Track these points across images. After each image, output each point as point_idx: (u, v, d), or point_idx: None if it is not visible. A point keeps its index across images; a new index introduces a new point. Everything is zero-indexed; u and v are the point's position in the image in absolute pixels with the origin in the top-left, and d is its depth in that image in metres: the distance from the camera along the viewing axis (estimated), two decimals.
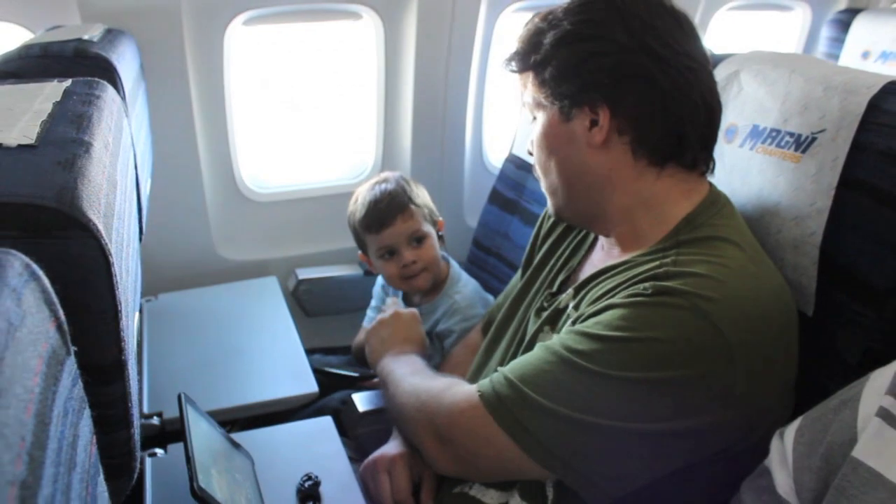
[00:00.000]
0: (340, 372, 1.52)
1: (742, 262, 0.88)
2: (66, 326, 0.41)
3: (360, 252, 1.63)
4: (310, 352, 1.52)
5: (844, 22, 2.53)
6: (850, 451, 0.64)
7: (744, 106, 1.11)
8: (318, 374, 1.51)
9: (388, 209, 1.51)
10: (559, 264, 1.16)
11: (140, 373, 1.37)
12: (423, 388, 1.05)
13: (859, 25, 2.47)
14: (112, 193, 0.61)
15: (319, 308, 2.06)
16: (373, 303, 1.77)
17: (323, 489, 1.05)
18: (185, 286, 1.79)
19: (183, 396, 1.01)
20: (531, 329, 1.09)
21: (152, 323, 1.60)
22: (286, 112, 2.11)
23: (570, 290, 1.04)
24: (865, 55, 2.43)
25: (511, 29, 2.02)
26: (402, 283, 1.58)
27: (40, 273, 0.39)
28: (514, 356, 1.10)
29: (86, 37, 1.17)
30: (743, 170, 1.09)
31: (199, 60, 1.76)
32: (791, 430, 0.75)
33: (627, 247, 1.00)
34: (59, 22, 1.52)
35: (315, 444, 1.17)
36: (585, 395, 0.85)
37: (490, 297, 1.63)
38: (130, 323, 0.65)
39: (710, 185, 1.01)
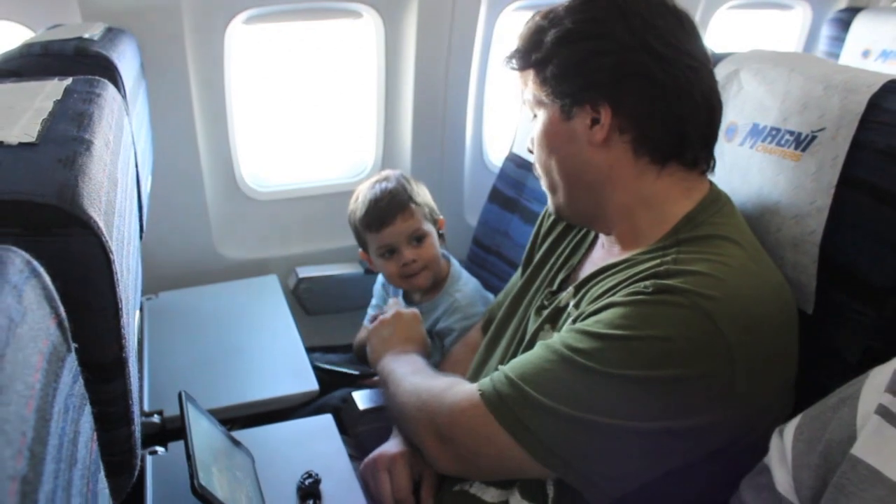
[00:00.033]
0: (341, 370, 1.52)
1: (742, 260, 0.88)
2: (66, 323, 0.41)
3: (360, 250, 1.63)
4: (310, 350, 1.52)
5: (845, 21, 2.53)
6: (849, 448, 0.64)
7: (744, 104, 1.11)
8: (319, 371, 1.51)
9: (388, 208, 1.51)
10: (559, 263, 1.16)
11: (141, 371, 1.37)
12: (423, 388, 1.05)
13: (860, 24, 2.47)
14: (113, 191, 0.62)
15: (319, 306, 2.06)
16: (373, 301, 1.77)
17: (323, 487, 1.05)
18: (186, 284, 1.79)
19: (183, 394, 1.02)
20: (531, 327, 1.09)
21: (153, 321, 1.60)
22: (286, 111, 2.11)
23: (571, 289, 1.04)
24: (866, 54, 2.43)
25: (511, 28, 2.02)
26: (402, 281, 1.58)
27: (41, 270, 0.39)
28: (514, 354, 1.10)
29: (86, 35, 1.17)
30: (743, 168, 1.09)
31: (199, 59, 1.76)
32: (790, 428, 0.75)
33: (628, 245, 1.00)
34: (59, 21, 1.52)
35: (315, 442, 1.17)
36: (586, 394, 0.85)
37: (490, 296, 1.63)
38: (131, 321, 0.65)
39: (711, 183, 1.01)
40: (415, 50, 1.92)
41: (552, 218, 1.25)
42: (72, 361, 0.42)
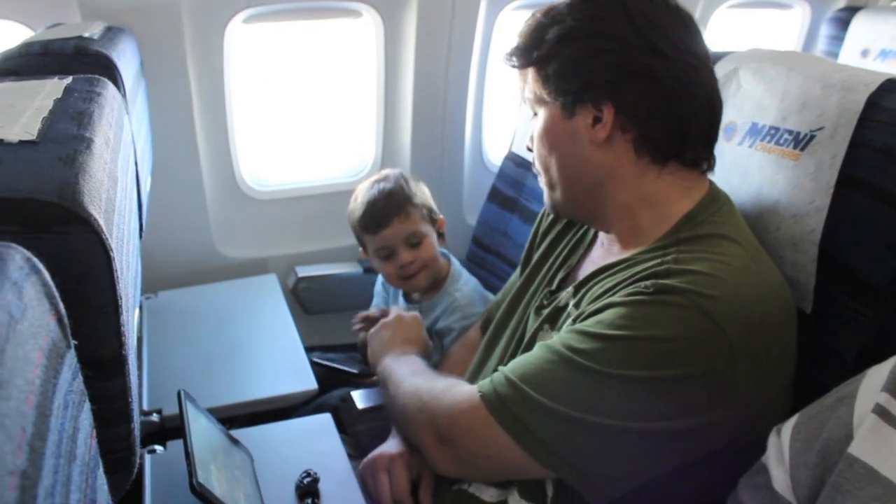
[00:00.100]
0: (340, 367, 1.52)
1: (743, 259, 0.88)
2: (66, 320, 0.42)
3: (360, 249, 1.64)
4: (309, 349, 1.53)
5: (844, 20, 2.53)
6: (846, 447, 0.64)
7: (743, 104, 1.11)
8: (318, 367, 1.51)
9: (385, 210, 1.51)
10: (558, 262, 1.16)
11: (140, 370, 1.37)
12: (424, 389, 1.05)
13: (858, 23, 2.47)
14: (113, 189, 0.62)
15: (319, 306, 2.06)
16: (375, 301, 1.77)
17: (322, 486, 1.05)
18: (185, 284, 1.79)
19: (182, 393, 1.02)
20: (531, 327, 1.09)
21: (152, 320, 1.60)
22: (286, 110, 2.11)
23: (570, 289, 1.04)
24: (865, 53, 2.43)
25: (511, 27, 2.02)
26: (400, 282, 1.58)
27: (41, 267, 0.39)
28: (513, 354, 1.10)
29: (86, 34, 1.17)
30: (742, 167, 1.09)
31: (199, 58, 1.76)
32: (788, 427, 0.75)
33: (628, 244, 1.00)
34: (59, 20, 1.52)
35: (314, 441, 1.17)
36: (587, 395, 0.85)
37: (490, 296, 1.63)
38: (130, 318, 0.66)
39: (711, 182, 1.01)
40: (414, 49, 1.93)
41: (551, 217, 1.25)
42: (71, 358, 0.42)
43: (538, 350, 0.93)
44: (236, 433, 1.13)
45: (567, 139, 0.99)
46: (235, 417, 1.35)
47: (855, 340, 0.94)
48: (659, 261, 0.89)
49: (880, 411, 0.63)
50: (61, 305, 0.41)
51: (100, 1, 1.57)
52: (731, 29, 2.55)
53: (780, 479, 0.73)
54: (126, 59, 1.21)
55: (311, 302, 2.05)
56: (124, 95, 1.06)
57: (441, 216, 1.62)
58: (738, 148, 1.10)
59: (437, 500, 1.06)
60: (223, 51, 1.79)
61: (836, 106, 0.97)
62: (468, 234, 2.01)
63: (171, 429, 1.23)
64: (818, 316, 0.98)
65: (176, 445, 1.10)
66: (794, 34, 2.72)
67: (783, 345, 0.89)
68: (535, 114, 1.05)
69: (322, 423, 1.22)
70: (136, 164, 0.94)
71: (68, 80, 0.77)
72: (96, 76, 0.81)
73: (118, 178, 0.67)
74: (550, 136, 1.01)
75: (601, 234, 1.09)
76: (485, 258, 1.89)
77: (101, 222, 0.53)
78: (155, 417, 1.26)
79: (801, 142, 1.00)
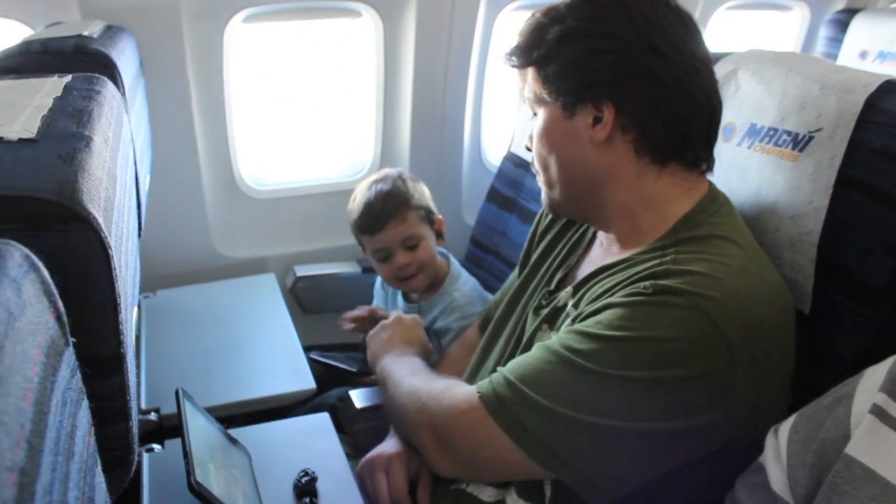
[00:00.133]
0: (339, 365, 1.52)
1: (742, 260, 0.88)
2: (65, 318, 0.42)
3: (360, 247, 1.64)
4: (307, 349, 1.53)
5: (843, 22, 2.53)
6: (843, 447, 0.64)
7: (741, 104, 1.11)
8: (317, 365, 1.51)
9: (381, 213, 1.51)
10: (557, 262, 1.16)
11: (138, 368, 1.37)
12: (422, 390, 1.05)
13: (857, 25, 2.48)
14: (112, 188, 0.62)
15: (317, 305, 2.06)
16: (375, 300, 1.77)
17: (320, 485, 1.05)
18: (184, 283, 1.79)
19: (180, 392, 1.02)
20: (529, 327, 1.09)
21: (150, 319, 1.60)
22: (285, 110, 2.11)
23: (569, 289, 1.04)
24: (863, 55, 2.44)
25: (510, 27, 2.03)
26: (397, 283, 1.59)
27: (40, 264, 0.39)
28: (512, 354, 1.10)
29: (86, 33, 1.17)
30: (741, 168, 1.09)
31: (198, 57, 1.76)
32: (785, 427, 0.75)
33: (627, 244, 1.00)
34: (58, 18, 1.52)
35: (312, 440, 1.17)
36: (586, 395, 0.85)
37: (489, 296, 1.63)
38: (129, 317, 0.66)
39: (710, 183, 1.01)
40: (414, 49, 1.93)
41: (549, 217, 1.25)
42: (70, 355, 0.42)
43: (537, 351, 0.93)
44: (234, 432, 1.13)
45: (567, 139, 0.99)
46: (233, 416, 1.35)
47: (853, 341, 0.94)
48: (658, 261, 0.89)
49: (877, 411, 0.63)
50: (60, 303, 0.41)
51: (99, 0, 1.57)
52: (730, 30, 2.56)
53: (777, 478, 0.73)
54: (125, 58, 1.21)
55: (309, 301, 2.05)
56: (123, 94, 1.07)
57: (440, 216, 1.62)
58: (736, 149, 1.10)
59: (435, 500, 1.06)
60: (223, 50, 1.79)
61: (834, 107, 0.97)
62: (467, 234, 2.01)
63: (169, 427, 1.23)
64: (816, 316, 0.98)
65: (174, 444, 1.10)
66: (793, 36, 2.72)
67: (782, 345, 0.89)
68: (535, 113, 1.04)
69: (320, 423, 1.22)
70: (135, 162, 0.94)
71: (68, 78, 0.77)
72: (96, 75, 0.81)
73: (117, 177, 0.67)
74: (550, 135, 1.01)
75: (600, 234, 1.09)
76: (483, 258, 1.90)
77: (101, 221, 0.53)
78: (153, 416, 1.26)
79: (800, 143, 1.00)
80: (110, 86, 0.81)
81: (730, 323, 0.81)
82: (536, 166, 1.06)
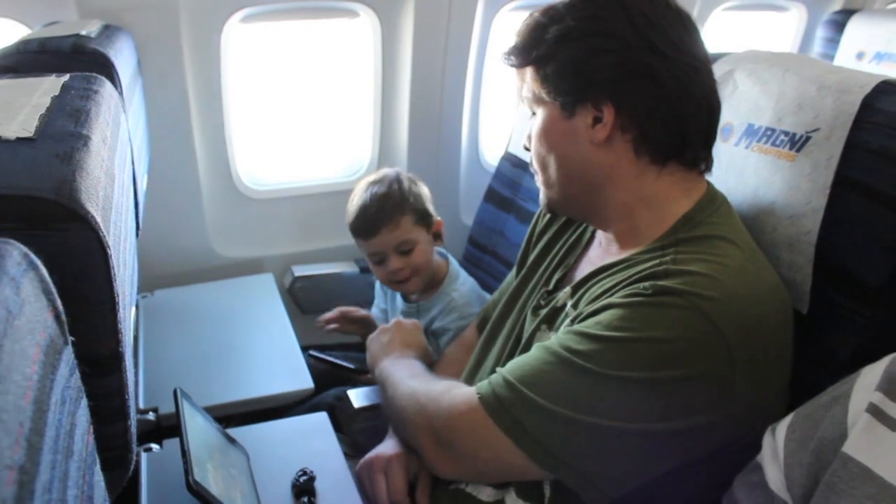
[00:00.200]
0: (337, 362, 1.52)
1: (740, 260, 0.88)
2: (63, 316, 0.42)
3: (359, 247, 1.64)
4: (305, 349, 1.53)
5: (839, 23, 2.54)
6: (840, 446, 0.64)
7: (739, 105, 1.12)
8: (315, 362, 1.51)
9: (374, 218, 1.50)
10: (555, 262, 1.16)
11: (136, 368, 1.37)
12: (422, 392, 1.05)
13: (854, 26, 2.48)
14: (110, 187, 0.62)
15: (315, 305, 2.06)
16: (375, 300, 1.77)
17: (318, 484, 1.05)
18: (181, 283, 1.79)
19: (179, 391, 1.02)
20: (528, 328, 1.09)
21: (148, 319, 1.60)
22: (283, 109, 2.11)
23: (568, 289, 1.04)
24: (860, 56, 2.44)
25: (508, 27, 2.03)
26: (393, 285, 1.59)
27: (39, 263, 0.39)
28: (511, 355, 1.10)
29: (83, 32, 1.17)
30: (739, 168, 1.09)
31: (196, 57, 1.76)
32: (782, 426, 0.75)
33: (626, 244, 1.00)
34: (56, 18, 1.52)
35: (310, 439, 1.17)
36: (585, 396, 0.85)
37: (488, 296, 1.63)
38: (127, 316, 0.66)
39: (708, 183, 1.01)
40: (411, 49, 1.93)
41: (547, 217, 1.25)
42: (69, 354, 0.42)
43: (536, 351, 0.93)
44: (232, 432, 1.13)
45: (566, 139, 0.99)
46: (231, 416, 1.34)
47: (851, 341, 0.94)
48: (657, 261, 0.89)
49: (874, 410, 0.63)
50: (59, 302, 0.41)
51: None
52: (727, 31, 2.56)
53: (774, 477, 0.73)
54: (123, 57, 1.21)
55: (307, 301, 2.05)
56: (121, 93, 1.07)
57: (439, 218, 1.61)
58: (734, 149, 1.11)
59: (434, 500, 1.06)
60: (220, 50, 1.79)
61: (831, 107, 0.97)
62: (465, 234, 2.01)
63: (167, 427, 1.23)
64: (814, 316, 0.98)
65: (172, 444, 1.10)
66: (791, 36, 2.73)
67: (780, 345, 0.89)
68: (534, 113, 1.04)
69: (318, 422, 1.22)
70: (132, 162, 0.94)
71: (65, 77, 0.77)
72: (93, 74, 0.81)
73: (115, 176, 0.67)
74: (549, 135, 1.01)
75: (599, 234, 1.09)
76: (481, 258, 1.90)
77: (99, 220, 0.53)
78: (151, 416, 1.26)
79: (797, 143, 1.00)
80: (108, 85, 0.81)
81: (728, 323, 0.81)
82: (535, 166, 1.06)
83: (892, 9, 2.74)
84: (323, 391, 1.52)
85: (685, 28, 0.96)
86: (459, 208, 2.23)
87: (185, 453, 0.90)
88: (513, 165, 1.84)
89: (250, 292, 1.77)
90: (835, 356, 0.96)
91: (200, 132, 1.85)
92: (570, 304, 1.01)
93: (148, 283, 1.72)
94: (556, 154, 1.01)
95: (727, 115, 1.12)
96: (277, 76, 2.06)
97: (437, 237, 1.60)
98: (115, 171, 0.68)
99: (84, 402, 0.46)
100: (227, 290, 1.77)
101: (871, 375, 0.67)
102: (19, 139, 0.58)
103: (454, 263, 1.65)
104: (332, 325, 1.65)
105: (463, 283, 1.61)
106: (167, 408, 1.23)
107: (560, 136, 1.00)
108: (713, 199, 0.98)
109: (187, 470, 0.87)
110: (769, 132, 1.05)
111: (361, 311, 1.69)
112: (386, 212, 1.50)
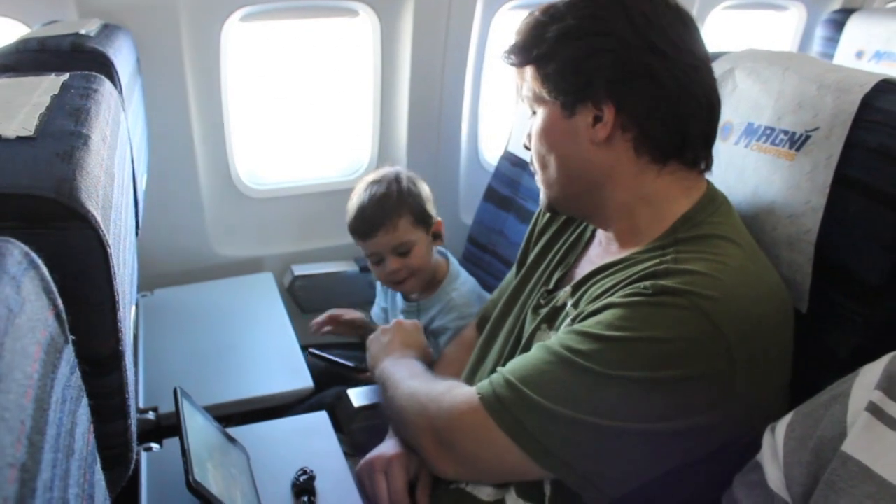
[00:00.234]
0: (337, 360, 1.52)
1: (741, 260, 0.88)
2: (64, 315, 0.42)
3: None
4: (305, 348, 1.53)
5: (839, 22, 2.54)
6: (839, 445, 0.64)
7: (738, 103, 1.12)
8: (315, 359, 1.51)
9: (371, 220, 1.50)
10: (555, 261, 1.16)
11: (136, 367, 1.37)
12: (422, 392, 1.05)
13: (853, 25, 2.48)
14: (110, 186, 0.62)
15: (315, 304, 2.06)
16: (376, 299, 1.77)
17: (318, 483, 1.05)
18: (181, 282, 1.79)
19: (179, 391, 1.02)
20: (528, 327, 1.09)
21: (148, 318, 1.60)
22: (283, 108, 2.11)
23: (568, 288, 1.04)
24: (859, 55, 2.44)
25: (507, 27, 2.03)
26: (391, 285, 1.59)
27: (39, 262, 0.39)
28: (511, 354, 1.10)
29: (83, 32, 1.17)
30: (738, 167, 1.09)
31: (195, 56, 1.76)
32: (782, 425, 0.75)
33: (626, 243, 1.00)
34: (55, 17, 1.52)
35: (310, 439, 1.17)
36: (586, 396, 0.85)
37: (487, 296, 1.63)
38: (127, 315, 0.66)
39: (708, 182, 1.01)
40: (411, 48, 1.93)
41: (547, 216, 1.25)
42: (69, 353, 0.42)
43: (537, 351, 0.93)
44: (232, 431, 1.13)
45: (567, 138, 0.99)
46: (231, 415, 1.34)
47: (850, 340, 0.94)
48: (658, 261, 0.89)
49: (873, 409, 0.63)
50: (59, 300, 0.41)
51: None
52: (726, 30, 2.56)
53: (774, 476, 0.73)
54: (122, 56, 1.21)
55: (307, 301, 2.05)
56: (121, 92, 1.06)
57: (439, 219, 1.60)
58: (734, 148, 1.11)
59: (435, 499, 1.06)
60: (220, 49, 1.79)
61: (831, 106, 0.97)
62: (464, 233, 2.00)
63: (167, 426, 1.23)
64: (814, 315, 0.98)
65: (172, 443, 1.10)
66: (790, 36, 2.73)
67: (780, 345, 0.89)
68: (534, 112, 1.04)
69: (318, 421, 1.22)
70: (132, 161, 0.94)
71: (65, 76, 0.77)
72: (93, 73, 0.81)
73: (115, 175, 0.67)
74: (549, 135, 1.01)
75: (599, 233, 1.09)
76: (481, 257, 1.90)
77: (99, 218, 0.53)
78: (151, 415, 1.26)
79: (797, 142, 1.00)
80: (107, 84, 0.81)
81: (729, 323, 0.81)
82: (535, 165, 1.06)
83: (891, 8, 2.74)
84: (323, 390, 1.52)
85: (685, 27, 0.96)
86: (459, 207, 2.23)
87: (185, 452, 0.90)
88: (512, 164, 1.84)
89: (250, 291, 1.77)
90: (834, 355, 0.96)
91: (200, 131, 1.85)
92: (570, 303, 1.01)
93: (148, 282, 1.72)
94: (556, 153, 1.01)
95: (727, 114, 1.12)
96: (277, 75, 2.06)
97: (437, 237, 1.60)
98: (115, 169, 0.68)
99: (84, 400, 0.46)
100: (227, 290, 1.77)
101: (870, 374, 0.67)
102: (19, 138, 0.58)
103: (454, 263, 1.65)
104: (326, 328, 1.68)
105: (463, 283, 1.61)
106: (167, 407, 1.23)
107: (560, 135, 0.99)
108: (713, 198, 0.98)
109: (187, 469, 0.87)
110: (769, 131, 1.05)
111: (352, 313, 1.70)
112: (384, 213, 1.50)
